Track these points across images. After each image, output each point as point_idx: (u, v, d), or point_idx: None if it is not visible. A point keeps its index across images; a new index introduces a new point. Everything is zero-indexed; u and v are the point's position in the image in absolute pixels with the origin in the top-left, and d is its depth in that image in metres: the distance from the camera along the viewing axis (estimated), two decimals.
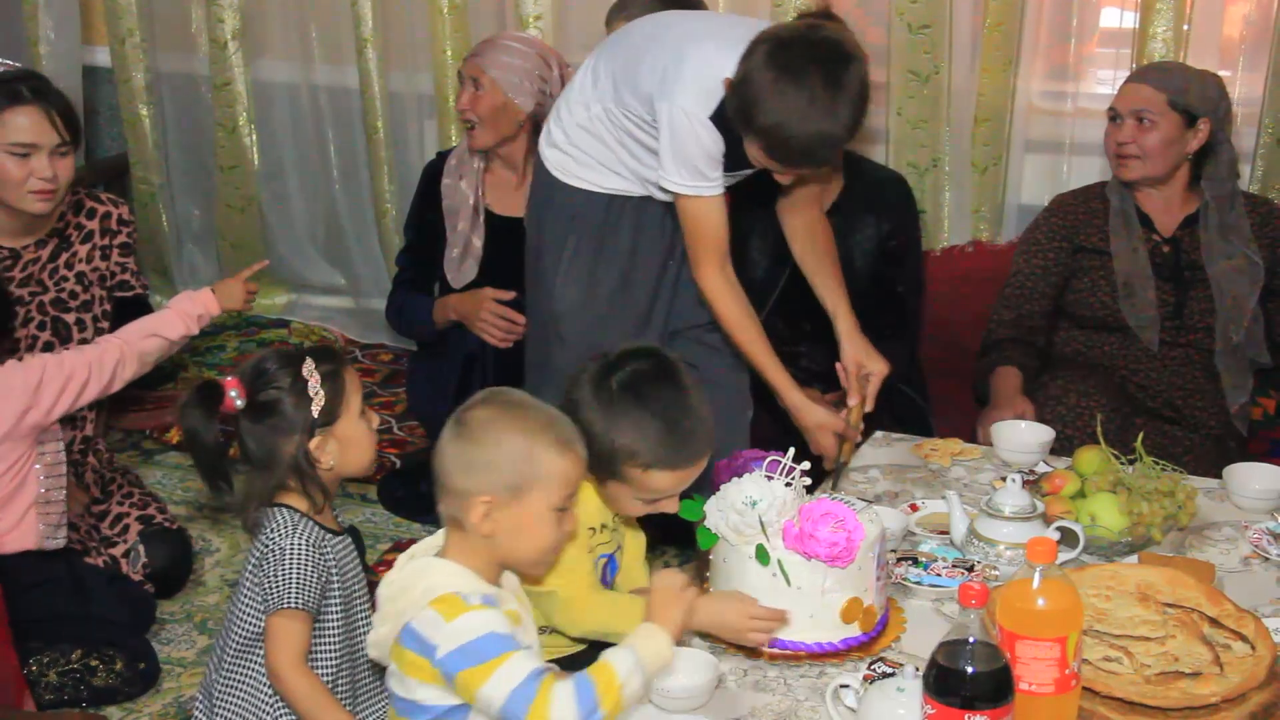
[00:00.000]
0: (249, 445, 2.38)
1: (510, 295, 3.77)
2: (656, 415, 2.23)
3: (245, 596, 2.37)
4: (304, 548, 2.34)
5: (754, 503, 2.17)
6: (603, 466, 2.25)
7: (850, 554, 2.14)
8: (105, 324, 3.40)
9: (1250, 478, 2.74)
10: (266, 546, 2.34)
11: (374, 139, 4.78)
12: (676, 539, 3.62)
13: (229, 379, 2.36)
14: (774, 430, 3.53)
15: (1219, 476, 2.79)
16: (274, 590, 2.32)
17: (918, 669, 1.91)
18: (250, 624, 2.37)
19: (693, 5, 3.32)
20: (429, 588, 1.95)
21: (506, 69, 3.74)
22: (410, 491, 3.92)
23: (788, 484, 2.21)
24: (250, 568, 2.37)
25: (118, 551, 3.32)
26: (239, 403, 2.35)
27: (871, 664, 2.15)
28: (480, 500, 1.96)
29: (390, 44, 4.70)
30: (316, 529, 2.37)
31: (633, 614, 2.21)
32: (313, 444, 2.36)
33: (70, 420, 3.44)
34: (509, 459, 1.97)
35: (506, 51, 3.77)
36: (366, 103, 4.75)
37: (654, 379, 2.26)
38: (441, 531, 2.07)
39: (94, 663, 3.02)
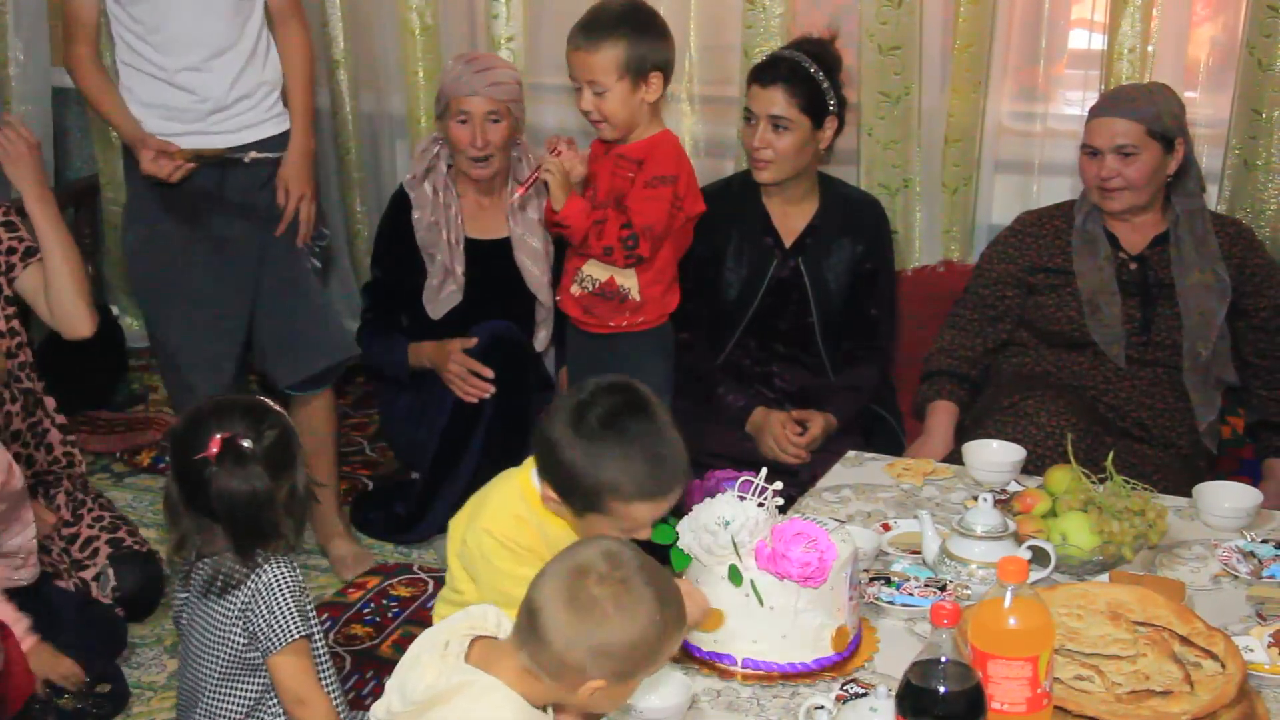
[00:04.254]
0: (266, 489, 2.34)
1: (473, 342, 3.78)
2: (638, 449, 2.21)
3: (239, 644, 2.37)
4: (288, 574, 2.36)
5: (726, 523, 2.17)
6: (584, 501, 2.23)
7: (823, 574, 2.14)
8: (10, 310, 3.34)
9: (1220, 496, 2.76)
10: (252, 589, 2.34)
11: (345, 160, 4.78)
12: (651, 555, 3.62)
13: (228, 436, 2.32)
14: (738, 450, 3.55)
15: (1189, 495, 2.80)
16: (275, 629, 2.32)
17: (890, 689, 1.91)
18: (250, 666, 2.37)
19: (655, 17, 3.34)
20: (469, 713, 1.87)
21: (512, 95, 3.78)
22: (382, 513, 3.90)
23: (760, 504, 2.21)
24: (234, 616, 2.35)
25: (88, 575, 3.30)
26: (251, 447, 2.32)
27: (844, 684, 2.16)
28: (594, 685, 1.88)
29: (361, 66, 4.70)
30: (283, 556, 2.38)
31: None
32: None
33: (41, 444, 3.43)
34: (638, 649, 1.87)
35: (504, 78, 3.79)
36: (338, 124, 4.74)
37: (631, 412, 2.24)
38: (485, 615, 1.98)
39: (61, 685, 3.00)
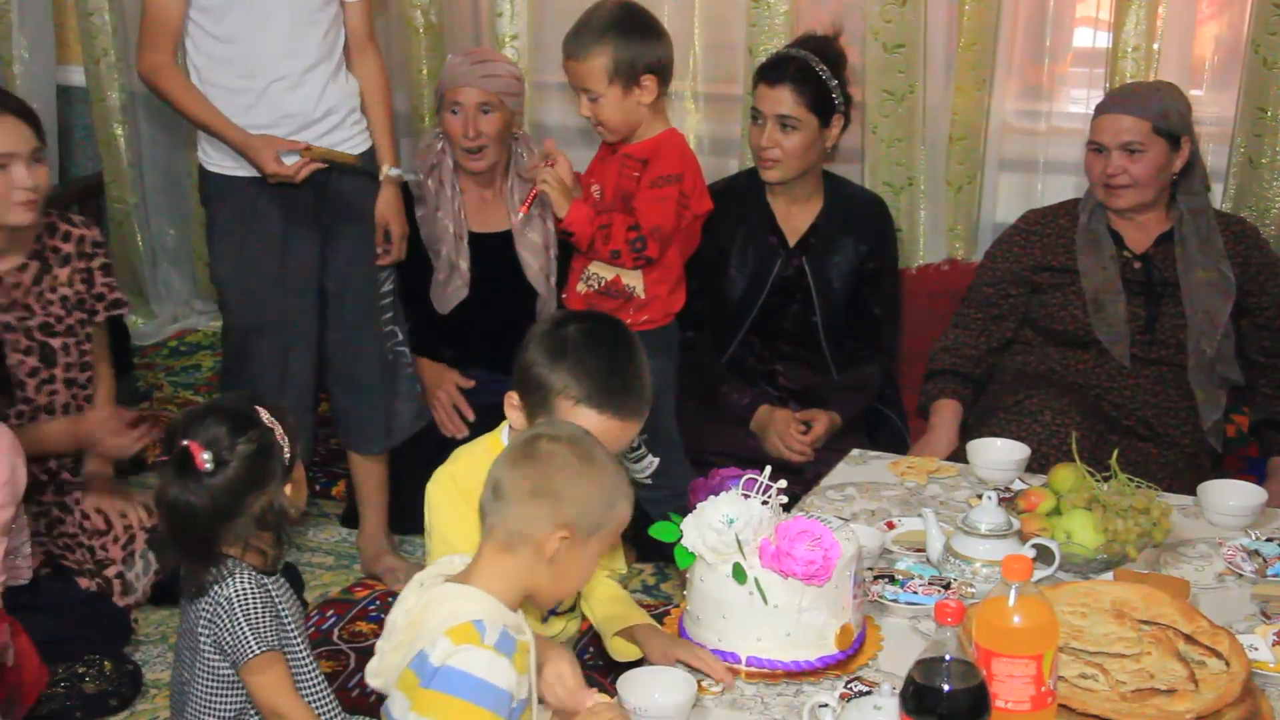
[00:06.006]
0: (203, 507, 2.32)
1: (470, 384, 3.85)
2: (599, 358, 2.32)
3: (208, 654, 2.35)
4: (249, 590, 2.32)
5: (731, 521, 2.17)
6: (535, 398, 2.32)
7: (827, 572, 2.14)
8: (87, 346, 3.36)
9: (1224, 494, 2.75)
10: (214, 600, 2.32)
11: None
12: (653, 558, 3.63)
13: (190, 443, 2.29)
14: (743, 448, 3.55)
15: (1193, 493, 2.80)
16: (235, 645, 2.30)
17: (894, 687, 1.91)
18: (220, 676, 2.37)
19: (643, 19, 3.34)
20: (450, 614, 1.92)
21: (507, 88, 3.78)
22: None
23: (764, 502, 2.21)
24: (201, 626, 2.34)
25: (111, 573, 3.28)
26: (209, 465, 2.29)
27: (849, 682, 2.16)
28: (559, 533, 1.95)
29: None
30: (250, 570, 2.35)
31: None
32: (287, 490, 2.35)
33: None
34: (598, 499, 1.99)
35: (499, 70, 3.79)
36: None
37: (608, 333, 2.37)
38: (450, 559, 2.06)
39: (81, 669, 3.03)
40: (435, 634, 1.91)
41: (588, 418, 2.28)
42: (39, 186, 3.16)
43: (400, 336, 3.67)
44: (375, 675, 2.02)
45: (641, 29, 3.25)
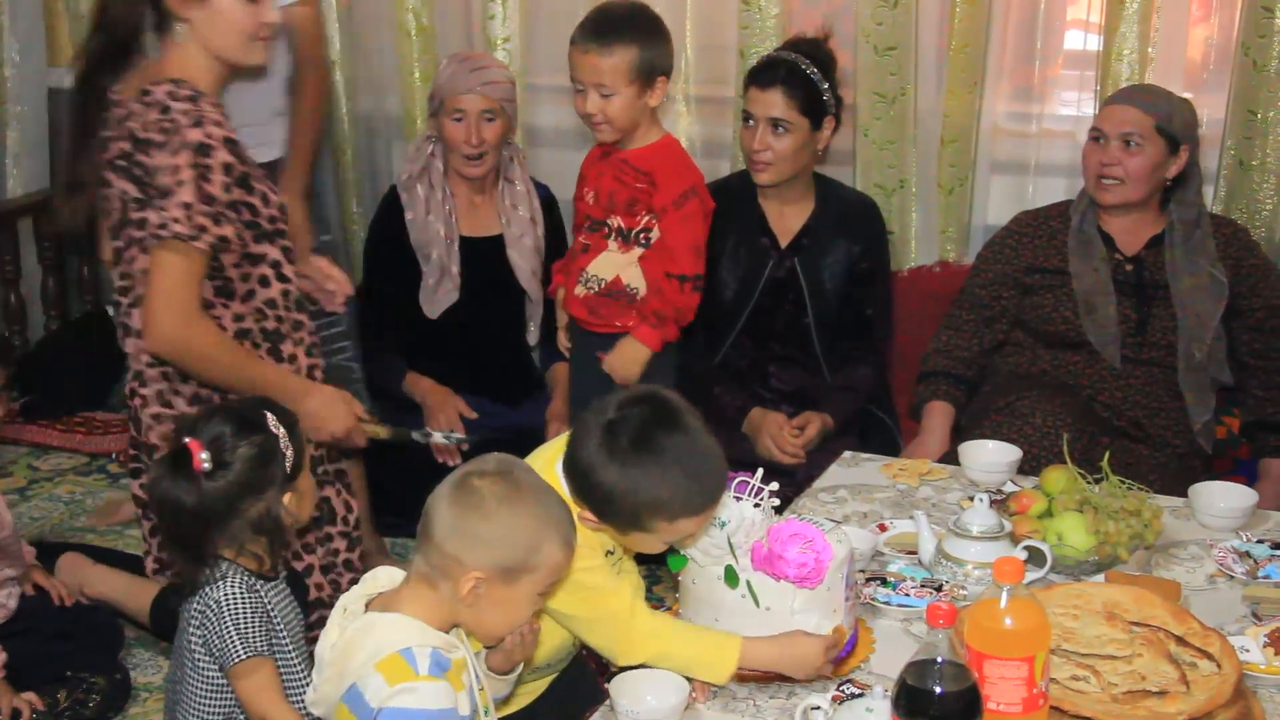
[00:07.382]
0: (191, 506, 2.31)
1: (474, 415, 3.83)
2: (676, 466, 2.08)
3: (198, 655, 2.35)
4: (238, 594, 2.32)
5: (722, 524, 2.17)
6: (627, 522, 2.14)
7: (819, 575, 2.14)
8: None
9: (1215, 496, 2.76)
10: (204, 602, 2.32)
11: (342, 161, 4.77)
12: (645, 559, 3.62)
13: (191, 441, 2.29)
14: (735, 450, 3.55)
15: (1185, 495, 2.81)
16: (222, 649, 2.30)
17: (886, 689, 1.91)
18: (206, 677, 2.37)
19: (657, 20, 3.34)
20: (376, 647, 1.91)
21: (506, 94, 3.79)
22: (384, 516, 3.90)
23: (756, 505, 2.21)
24: (193, 626, 2.35)
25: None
26: (206, 465, 2.29)
27: (840, 685, 2.16)
28: (473, 575, 1.92)
29: (358, 67, 4.70)
30: (244, 574, 2.35)
31: (697, 641, 2.19)
32: (286, 499, 2.34)
33: None
34: (515, 544, 1.93)
35: (498, 76, 3.81)
36: (334, 125, 4.74)
37: (662, 426, 2.11)
38: (376, 577, 2.04)
39: (79, 696, 3.04)
40: (365, 668, 1.89)
41: (686, 524, 2.13)
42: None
43: (349, 353, 3.61)
44: (315, 705, 2.01)
45: (658, 30, 3.24)
